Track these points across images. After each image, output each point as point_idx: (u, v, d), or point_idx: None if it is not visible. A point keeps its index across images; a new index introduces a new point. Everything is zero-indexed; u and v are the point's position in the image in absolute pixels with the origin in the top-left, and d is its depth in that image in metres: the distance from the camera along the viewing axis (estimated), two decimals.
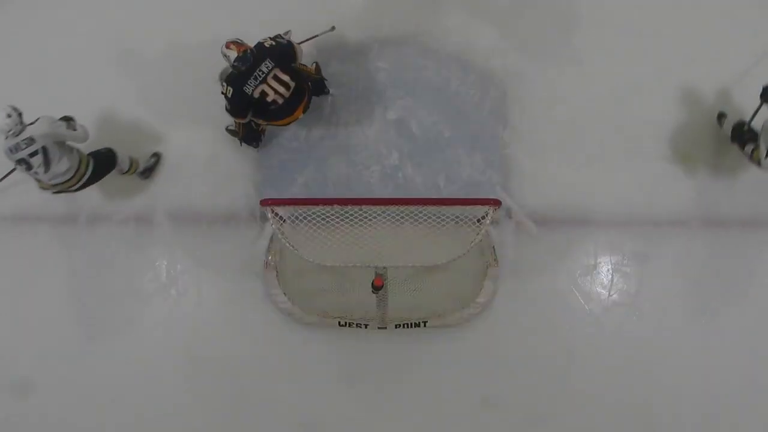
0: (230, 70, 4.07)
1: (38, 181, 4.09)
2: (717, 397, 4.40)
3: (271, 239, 4.53)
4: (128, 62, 4.84)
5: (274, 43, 4.09)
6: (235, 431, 4.45)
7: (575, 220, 4.59)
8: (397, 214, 3.82)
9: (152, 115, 4.76)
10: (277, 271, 4.51)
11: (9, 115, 3.91)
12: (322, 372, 4.47)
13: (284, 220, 3.85)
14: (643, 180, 4.65)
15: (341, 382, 4.46)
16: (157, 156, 4.67)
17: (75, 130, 4.10)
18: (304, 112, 4.28)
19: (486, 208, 3.79)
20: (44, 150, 3.95)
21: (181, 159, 4.70)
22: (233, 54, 3.99)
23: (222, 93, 4.11)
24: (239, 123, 4.36)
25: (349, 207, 3.82)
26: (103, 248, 4.61)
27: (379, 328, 4.44)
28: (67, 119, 4.14)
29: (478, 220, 3.84)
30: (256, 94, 4.03)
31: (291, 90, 4.07)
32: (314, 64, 4.61)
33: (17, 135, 3.93)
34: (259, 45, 4.07)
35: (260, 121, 4.32)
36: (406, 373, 4.47)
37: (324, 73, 4.68)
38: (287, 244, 3.79)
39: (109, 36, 4.86)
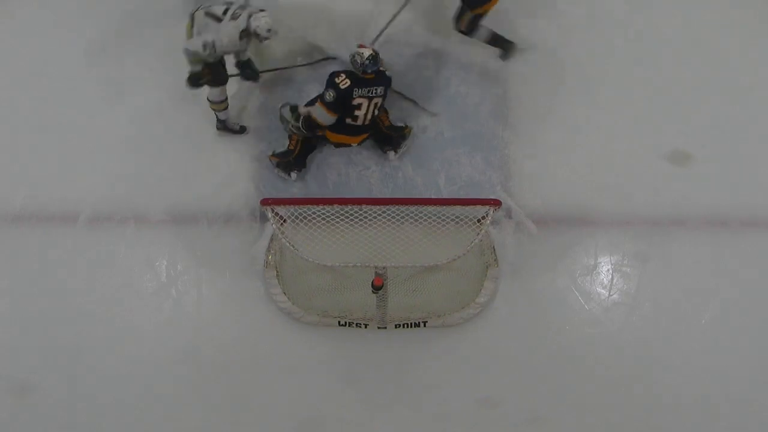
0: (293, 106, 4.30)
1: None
2: (717, 397, 4.39)
3: (271, 239, 4.53)
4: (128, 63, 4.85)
5: (390, 75, 4.22)
6: (235, 431, 4.44)
7: (575, 220, 4.59)
8: (397, 214, 3.82)
9: (152, 114, 4.77)
10: (277, 271, 4.51)
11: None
12: (322, 372, 4.47)
13: (284, 220, 3.86)
14: (643, 180, 4.66)
15: (341, 382, 4.46)
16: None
17: None
18: (359, 143, 4.34)
19: (486, 208, 3.79)
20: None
21: (181, 159, 4.70)
22: (366, 52, 4.03)
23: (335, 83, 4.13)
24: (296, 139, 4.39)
25: (349, 207, 3.82)
26: (103, 248, 4.61)
27: (379, 328, 4.44)
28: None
29: (478, 220, 3.84)
30: (355, 102, 4.10)
31: (371, 120, 4.22)
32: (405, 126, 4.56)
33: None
34: (382, 71, 4.17)
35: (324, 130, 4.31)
36: (406, 373, 4.46)
37: (323, 72, 4.67)
38: (287, 244, 3.79)
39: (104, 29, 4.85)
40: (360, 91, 4.08)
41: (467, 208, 3.87)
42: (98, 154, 4.72)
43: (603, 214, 4.59)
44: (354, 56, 4.09)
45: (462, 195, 4.59)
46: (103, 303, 4.54)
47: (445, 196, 4.61)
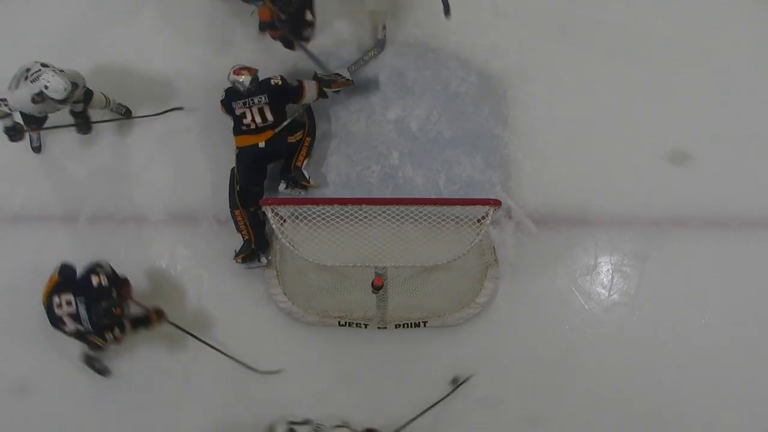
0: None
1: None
2: (717, 396, 4.40)
3: (271, 239, 4.53)
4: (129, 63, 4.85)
5: (280, 82, 4.43)
6: (235, 431, 4.44)
7: (575, 220, 4.59)
8: (397, 214, 3.82)
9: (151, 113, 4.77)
10: (277, 271, 4.51)
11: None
12: (322, 372, 4.47)
13: (284, 220, 3.85)
14: (643, 180, 4.65)
15: (341, 382, 4.46)
16: None
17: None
18: (266, 141, 4.43)
19: (486, 208, 3.78)
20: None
21: (181, 159, 4.70)
22: (246, 78, 4.38)
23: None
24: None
25: (349, 207, 3.81)
26: (103, 248, 4.60)
27: (379, 328, 4.44)
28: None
29: (478, 220, 3.84)
30: (238, 112, 4.39)
31: (268, 125, 4.40)
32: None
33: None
34: (266, 80, 4.43)
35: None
36: (406, 373, 4.46)
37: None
38: (287, 244, 3.79)
39: (104, 32, 4.86)
40: (239, 103, 4.39)
41: (467, 208, 3.86)
42: (98, 155, 4.72)
43: (603, 214, 4.58)
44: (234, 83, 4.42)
45: (462, 195, 4.59)
46: None
47: (445, 196, 4.61)
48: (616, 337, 4.50)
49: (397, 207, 3.83)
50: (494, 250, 4.54)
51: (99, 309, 3.98)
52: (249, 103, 4.38)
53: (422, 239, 3.87)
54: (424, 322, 4.45)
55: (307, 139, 4.57)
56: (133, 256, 4.59)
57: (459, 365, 4.45)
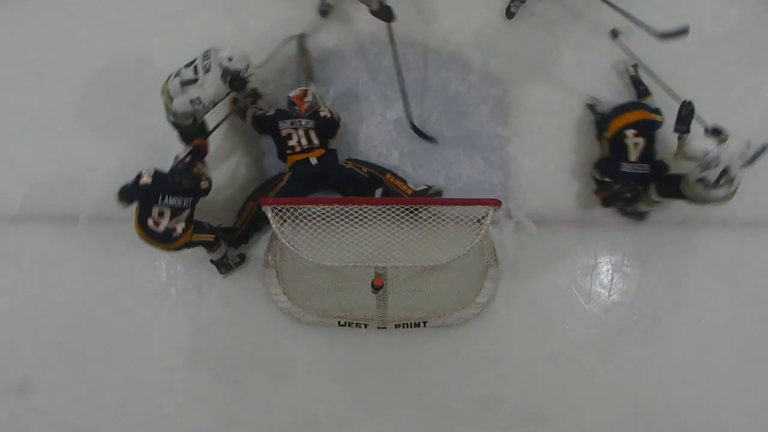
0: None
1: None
2: (717, 396, 4.40)
3: (271, 239, 4.54)
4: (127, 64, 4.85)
5: (329, 115, 4.44)
6: (235, 430, 4.44)
7: (575, 220, 4.59)
8: (397, 214, 3.82)
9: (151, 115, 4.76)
10: (277, 271, 4.51)
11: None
12: (322, 372, 4.47)
13: (284, 220, 3.85)
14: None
15: (341, 382, 4.46)
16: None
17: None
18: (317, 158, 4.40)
19: (486, 208, 3.78)
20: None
21: None
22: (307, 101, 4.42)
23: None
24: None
25: (349, 207, 3.82)
26: (103, 248, 4.60)
27: (379, 328, 4.44)
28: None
29: (478, 220, 3.84)
30: (284, 132, 4.39)
31: (315, 146, 4.40)
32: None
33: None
34: (316, 111, 4.43)
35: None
36: (406, 373, 4.47)
37: (323, 72, 4.69)
38: (287, 244, 3.79)
39: (115, 40, 4.87)
40: (286, 124, 4.40)
41: (467, 208, 3.86)
42: (98, 155, 4.72)
43: (603, 214, 4.58)
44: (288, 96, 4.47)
45: (462, 195, 4.59)
46: (103, 303, 4.54)
47: (445, 196, 4.61)
48: (616, 337, 4.50)
49: (397, 207, 3.83)
50: (494, 250, 4.54)
51: (179, 175, 4.08)
52: (296, 124, 4.38)
53: (422, 239, 3.87)
54: (424, 322, 4.45)
55: None
56: (133, 256, 4.59)
57: (459, 365, 4.45)
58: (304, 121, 4.39)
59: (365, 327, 4.44)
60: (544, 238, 4.59)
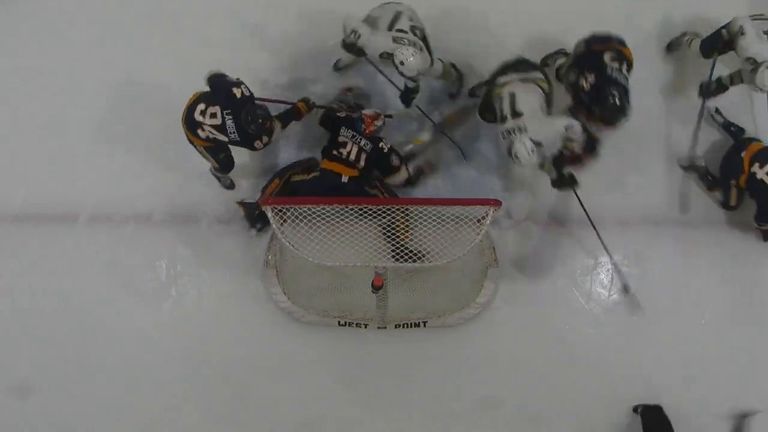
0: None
1: None
2: (717, 396, 4.40)
3: (271, 239, 4.54)
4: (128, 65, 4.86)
5: (386, 150, 4.46)
6: (235, 430, 4.45)
7: (575, 220, 4.59)
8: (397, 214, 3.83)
9: (151, 115, 4.77)
10: (277, 271, 4.51)
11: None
12: (322, 372, 4.47)
13: (284, 220, 3.85)
14: (644, 180, 4.66)
15: (341, 382, 4.46)
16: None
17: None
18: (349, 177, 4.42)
19: (486, 208, 3.78)
20: None
21: (181, 159, 4.70)
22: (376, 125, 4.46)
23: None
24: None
25: (350, 207, 3.82)
26: (103, 248, 4.61)
27: (378, 328, 4.44)
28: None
29: (478, 220, 3.84)
30: (341, 139, 4.44)
31: (357, 166, 4.42)
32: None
33: None
34: (378, 139, 4.47)
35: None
36: (406, 373, 4.47)
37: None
38: (287, 244, 3.79)
39: (115, 40, 4.88)
40: (347, 132, 4.44)
41: (467, 208, 3.86)
42: (98, 155, 4.72)
43: (603, 214, 4.58)
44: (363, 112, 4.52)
45: (462, 195, 4.59)
46: (103, 303, 4.54)
47: (445, 196, 4.61)
48: (616, 337, 4.50)
49: (397, 207, 3.84)
50: (494, 250, 4.54)
51: (251, 115, 4.06)
52: (356, 140, 4.41)
53: (422, 239, 3.87)
54: (424, 322, 4.45)
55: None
56: (133, 256, 4.59)
57: (459, 365, 4.45)
58: (364, 141, 4.41)
59: (365, 327, 4.44)
60: (544, 238, 4.59)
